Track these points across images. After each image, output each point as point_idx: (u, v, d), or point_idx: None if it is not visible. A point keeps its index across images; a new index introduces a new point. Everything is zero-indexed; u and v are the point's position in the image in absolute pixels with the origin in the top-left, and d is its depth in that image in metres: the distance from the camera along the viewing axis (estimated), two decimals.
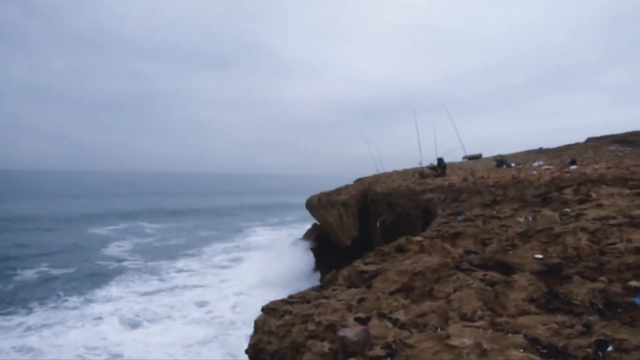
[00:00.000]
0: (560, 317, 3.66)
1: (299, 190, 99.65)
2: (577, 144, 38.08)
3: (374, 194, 21.79)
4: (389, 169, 31.78)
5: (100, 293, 22.02)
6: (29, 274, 25.94)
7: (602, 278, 4.55)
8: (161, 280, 25.05)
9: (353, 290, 4.63)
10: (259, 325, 4.40)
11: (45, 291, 22.29)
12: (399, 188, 20.77)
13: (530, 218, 7.79)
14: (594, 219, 7.04)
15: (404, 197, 17.81)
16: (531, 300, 4.06)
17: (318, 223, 27.80)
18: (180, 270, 27.65)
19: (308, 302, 4.51)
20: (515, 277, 4.53)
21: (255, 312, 4.85)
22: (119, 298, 21.20)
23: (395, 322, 3.68)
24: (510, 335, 3.28)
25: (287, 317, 4.22)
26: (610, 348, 3.01)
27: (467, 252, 6.09)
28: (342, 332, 3.33)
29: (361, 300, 4.23)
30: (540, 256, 5.53)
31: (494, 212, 9.32)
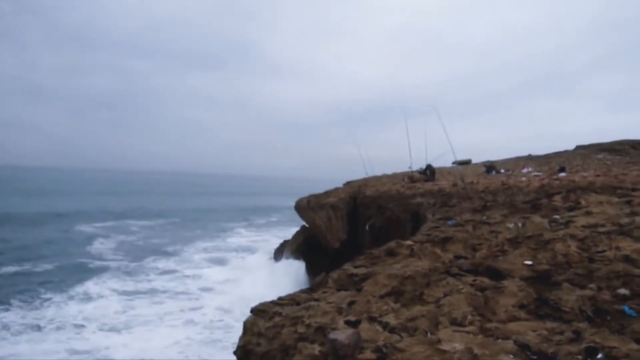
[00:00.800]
0: (550, 324, 3.67)
1: (288, 192, 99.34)
2: (566, 151, 38.35)
3: (364, 197, 21.78)
4: (379, 173, 31.79)
5: (80, 290, 21.81)
6: (11, 270, 25.73)
7: (592, 285, 4.57)
8: (140, 281, 24.76)
9: (343, 293, 4.62)
10: (248, 326, 4.36)
11: (25, 288, 22.08)
12: (388, 192, 20.77)
13: (519, 224, 7.82)
14: (583, 226, 7.08)
15: (394, 201, 17.81)
16: (521, 306, 4.06)
17: (307, 225, 27.78)
18: (161, 272, 27.35)
19: (298, 304, 4.48)
20: (505, 282, 4.54)
21: (239, 315, 4.82)
22: (99, 297, 20.98)
23: (385, 325, 3.67)
24: (500, 340, 3.27)
25: (276, 319, 4.18)
26: (600, 355, 3.01)
27: (457, 257, 6.10)
28: (333, 335, 3.31)
29: (351, 303, 4.21)
30: (529, 262, 5.55)
31: (484, 217, 9.35)
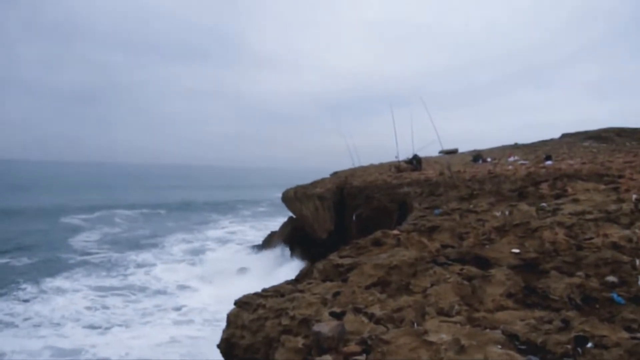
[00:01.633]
0: (538, 313, 3.60)
1: (274, 183, 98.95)
2: (552, 139, 38.53)
3: (351, 187, 21.71)
4: (366, 163, 31.77)
5: (55, 285, 21.47)
6: None
7: (580, 273, 4.52)
8: (117, 276, 24.29)
9: (328, 284, 4.52)
10: (231, 319, 4.26)
11: (1, 282, 21.85)
12: (375, 182, 20.72)
13: (506, 212, 7.78)
14: (570, 213, 7.04)
15: (381, 191, 17.75)
16: (509, 295, 3.99)
17: (294, 216, 27.70)
18: (138, 265, 26.85)
19: (282, 295, 4.38)
20: (493, 271, 4.47)
21: (221, 306, 4.71)
22: (74, 292, 20.63)
23: (371, 317, 3.58)
24: (488, 330, 3.20)
25: (260, 311, 4.08)
26: (589, 344, 2.95)
27: (444, 246, 6.03)
28: (316, 327, 3.21)
29: (336, 294, 4.12)
30: (517, 250, 5.49)
31: (471, 206, 9.30)
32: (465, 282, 4.23)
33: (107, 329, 16.58)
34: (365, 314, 3.64)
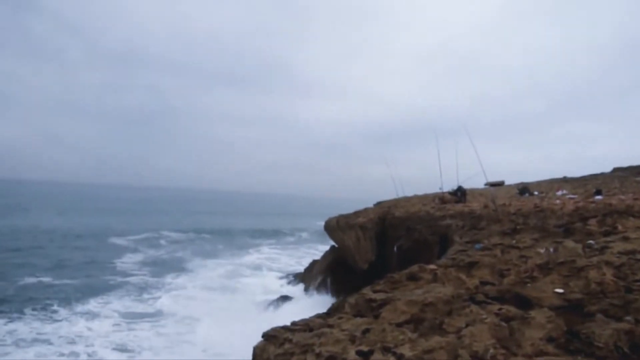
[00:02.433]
0: None
1: (316, 212, 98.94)
2: (602, 173, 37.22)
3: (393, 217, 21.45)
4: (410, 193, 31.42)
5: (95, 309, 21.94)
6: (32, 280, 26.64)
7: (628, 318, 4.22)
8: (147, 300, 24.61)
9: (359, 319, 4.37)
10: (257, 352, 4.16)
11: (44, 301, 22.59)
12: (417, 213, 20.41)
13: (551, 249, 7.45)
14: (619, 252, 6.67)
15: (422, 222, 17.45)
16: (549, 340, 3.75)
17: (336, 245, 27.53)
18: (171, 289, 27.16)
19: (311, 330, 4.26)
20: (533, 312, 4.22)
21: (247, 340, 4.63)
22: (105, 318, 20.96)
23: (399, 357, 3.41)
24: None
25: (287, 346, 3.96)
26: None
27: (483, 283, 5.79)
28: None
29: (366, 331, 3.96)
30: (560, 290, 5.21)
31: (514, 241, 8.98)
32: (503, 323, 4.01)
33: (137, 353, 16.77)
34: (394, 354, 3.48)
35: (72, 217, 66.53)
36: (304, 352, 3.75)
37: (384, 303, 4.73)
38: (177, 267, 34.54)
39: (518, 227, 11.04)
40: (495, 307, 4.55)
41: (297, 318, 4.95)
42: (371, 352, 3.51)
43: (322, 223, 28.75)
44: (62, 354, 16.08)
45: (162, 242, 48.16)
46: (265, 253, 45.81)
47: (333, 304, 5.36)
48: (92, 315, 20.96)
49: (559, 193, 23.94)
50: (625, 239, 7.86)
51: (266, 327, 4.54)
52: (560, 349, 3.65)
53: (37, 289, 25.15)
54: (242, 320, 20.94)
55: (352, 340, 3.81)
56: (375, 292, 5.30)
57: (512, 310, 4.42)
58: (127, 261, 35.81)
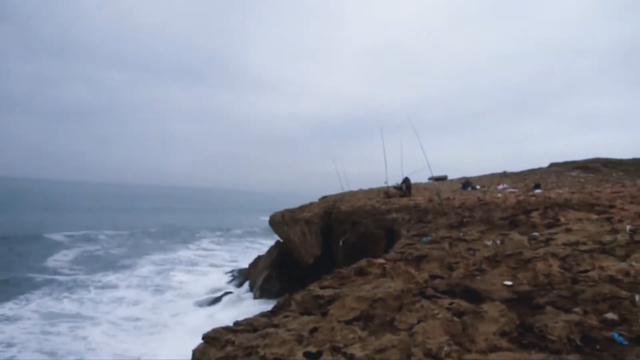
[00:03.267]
0: (535, 355, 3.25)
1: (265, 207, 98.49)
2: (540, 168, 38.61)
3: (338, 212, 21.35)
4: (356, 188, 31.49)
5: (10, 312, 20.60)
6: None
7: (577, 309, 4.20)
8: (77, 300, 23.29)
9: (306, 318, 4.13)
10: (197, 356, 3.85)
11: None
12: (363, 207, 20.39)
13: (498, 241, 7.46)
14: (564, 244, 6.74)
15: (368, 217, 17.40)
16: (503, 334, 3.63)
17: (281, 240, 27.30)
18: (101, 288, 25.95)
19: (255, 330, 3.99)
20: (485, 306, 4.11)
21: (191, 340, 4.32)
22: (26, 319, 19.71)
23: (350, 358, 3.21)
24: None
25: (228, 349, 3.68)
26: None
27: (433, 277, 5.68)
28: None
29: (313, 330, 3.73)
30: (510, 283, 5.17)
31: (461, 234, 8.99)
32: (455, 319, 3.87)
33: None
34: (344, 354, 3.27)
35: (1, 212, 63.23)
36: (248, 355, 3.49)
37: (332, 300, 4.52)
38: (112, 264, 33.03)
39: (464, 220, 11.11)
40: (446, 301, 4.42)
41: (240, 317, 4.68)
42: (320, 353, 3.29)
43: (267, 218, 28.33)
44: None
45: (101, 237, 46.34)
46: (207, 249, 44.47)
47: (278, 301, 5.11)
48: (5, 317, 19.66)
49: (500, 187, 24.56)
50: (568, 230, 7.99)
51: (206, 328, 4.24)
52: (514, 343, 3.54)
53: None
54: (179, 322, 20.28)
55: (299, 340, 3.58)
56: (322, 288, 5.08)
57: (463, 304, 4.31)
58: (60, 258, 34.07)
